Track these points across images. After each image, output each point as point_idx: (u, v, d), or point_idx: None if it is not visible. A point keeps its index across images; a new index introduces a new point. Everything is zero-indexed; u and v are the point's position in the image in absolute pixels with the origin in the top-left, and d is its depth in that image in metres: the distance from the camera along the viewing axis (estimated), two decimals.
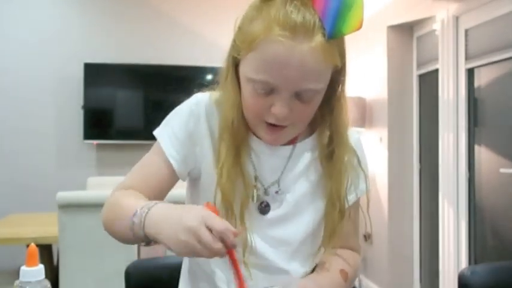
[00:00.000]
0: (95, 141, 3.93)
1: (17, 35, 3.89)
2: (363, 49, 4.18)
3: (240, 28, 0.87)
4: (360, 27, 0.82)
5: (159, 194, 0.95)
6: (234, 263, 0.82)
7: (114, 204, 0.91)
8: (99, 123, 3.96)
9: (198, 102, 0.97)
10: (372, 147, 3.87)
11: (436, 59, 3.25)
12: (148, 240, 0.81)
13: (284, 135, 0.91)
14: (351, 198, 1.00)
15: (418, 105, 3.70)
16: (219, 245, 0.73)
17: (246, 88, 0.87)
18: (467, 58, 2.98)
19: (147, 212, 0.80)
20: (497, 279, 1.23)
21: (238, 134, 0.92)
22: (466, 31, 3.00)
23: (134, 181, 0.95)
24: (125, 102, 4.01)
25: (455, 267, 2.99)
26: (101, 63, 3.92)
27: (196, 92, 1.00)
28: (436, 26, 3.17)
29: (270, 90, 0.84)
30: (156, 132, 0.98)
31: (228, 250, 0.76)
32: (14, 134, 3.85)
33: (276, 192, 0.96)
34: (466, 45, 3.00)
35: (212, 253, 0.74)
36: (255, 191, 0.94)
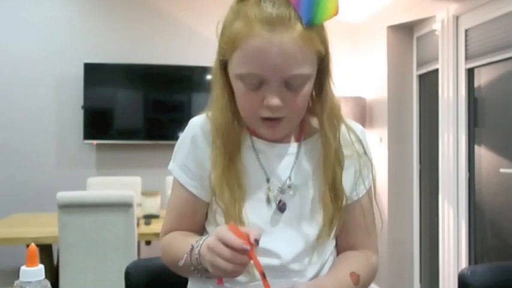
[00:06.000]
0: (95, 141, 3.93)
1: (17, 35, 3.89)
2: (363, 49, 4.18)
3: (222, 32, 0.92)
4: (336, 13, 0.86)
5: (198, 225, 1.02)
6: (256, 265, 0.82)
7: (167, 250, 1.00)
8: (98, 123, 3.95)
9: (194, 126, 1.01)
10: (372, 147, 3.87)
11: (436, 59, 3.25)
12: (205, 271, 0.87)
13: (282, 127, 0.93)
14: (361, 189, 1.01)
15: (418, 105, 3.70)
16: (236, 257, 0.78)
17: (237, 87, 0.90)
18: (467, 58, 2.99)
19: (199, 250, 0.87)
20: (497, 279, 1.22)
21: (229, 137, 0.95)
22: (466, 31, 3.00)
23: (171, 224, 1.03)
24: (125, 102, 4.01)
25: (455, 267, 2.99)
26: (101, 63, 3.92)
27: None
28: (436, 26, 3.17)
29: (259, 84, 0.87)
30: (170, 168, 1.03)
31: (249, 255, 0.79)
32: (13, 134, 3.85)
33: (289, 186, 0.97)
34: (466, 45, 3.00)
35: (233, 265, 0.79)
36: (269, 193, 0.96)
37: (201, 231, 1.03)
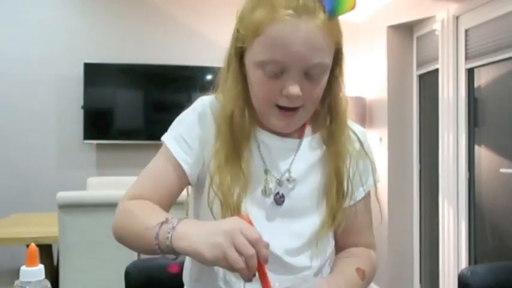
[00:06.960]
0: (95, 142, 3.93)
1: (17, 35, 3.88)
2: (363, 49, 4.18)
3: (242, 18, 0.90)
4: (354, 7, 0.87)
5: (169, 200, 0.95)
6: (264, 278, 0.78)
7: (128, 215, 0.90)
8: (99, 123, 3.95)
9: (204, 104, 0.98)
10: (372, 147, 3.87)
11: (436, 59, 3.25)
12: (169, 252, 0.80)
13: (296, 119, 0.92)
14: (360, 192, 1.01)
15: (418, 105, 3.70)
16: (252, 251, 0.72)
17: (255, 75, 0.88)
18: (467, 58, 2.98)
19: (175, 225, 0.79)
20: (497, 279, 1.22)
21: (238, 127, 0.92)
22: (466, 31, 3.00)
23: (143, 189, 0.94)
24: (125, 102, 4.01)
25: (455, 267, 2.99)
26: (101, 63, 3.91)
27: (200, 91, 1.00)
28: (436, 26, 3.17)
29: (280, 72, 0.86)
30: (163, 138, 0.97)
31: (259, 266, 0.75)
32: (13, 134, 3.85)
33: (288, 180, 0.95)
34: (466, 45, 3.00)
35: (241, 261, 0.72)
36: (266, 184, 0.94)
37: (167, 211, 0.94)
